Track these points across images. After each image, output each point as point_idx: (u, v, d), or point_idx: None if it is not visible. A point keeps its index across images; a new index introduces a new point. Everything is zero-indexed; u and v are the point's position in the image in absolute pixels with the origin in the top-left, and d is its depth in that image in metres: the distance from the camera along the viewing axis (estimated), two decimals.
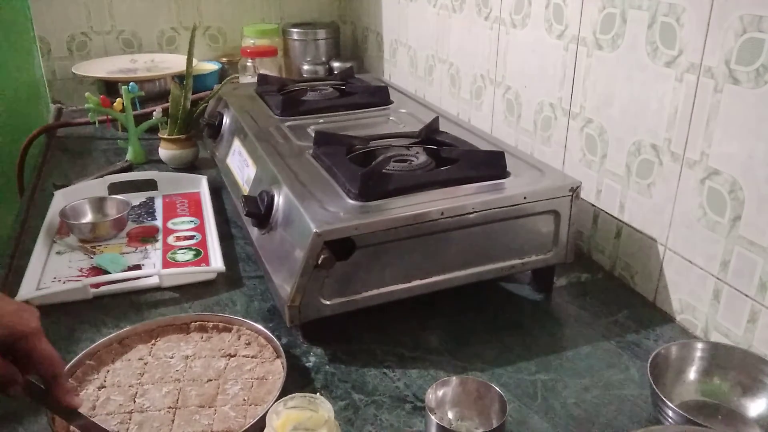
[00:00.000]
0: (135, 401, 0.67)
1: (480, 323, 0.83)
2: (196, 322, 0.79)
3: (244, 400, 0.68)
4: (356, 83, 1.29)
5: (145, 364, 0.73)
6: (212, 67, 1.72)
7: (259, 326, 0.77)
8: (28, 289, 0.86)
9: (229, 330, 0.78)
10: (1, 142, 1.48)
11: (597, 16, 0.90)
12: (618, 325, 0.83)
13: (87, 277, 0.91)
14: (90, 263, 0.95)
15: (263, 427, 0.56)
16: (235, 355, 0.74)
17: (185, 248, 0.99)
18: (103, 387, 0.70)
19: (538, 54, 1.05)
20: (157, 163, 1.33)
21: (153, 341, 0.77)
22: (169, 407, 0.67)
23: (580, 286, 0.92)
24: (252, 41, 1.71)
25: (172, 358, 0.74)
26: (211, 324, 0.79)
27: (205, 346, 0.76)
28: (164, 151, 1.29)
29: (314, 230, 0.71)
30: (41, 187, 1.23)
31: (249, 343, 0.76)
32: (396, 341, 0.80)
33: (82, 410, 0.65)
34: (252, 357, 0.74)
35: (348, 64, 1.65)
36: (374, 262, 0.76)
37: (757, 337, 0.73)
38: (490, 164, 0.86)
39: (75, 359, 0.71)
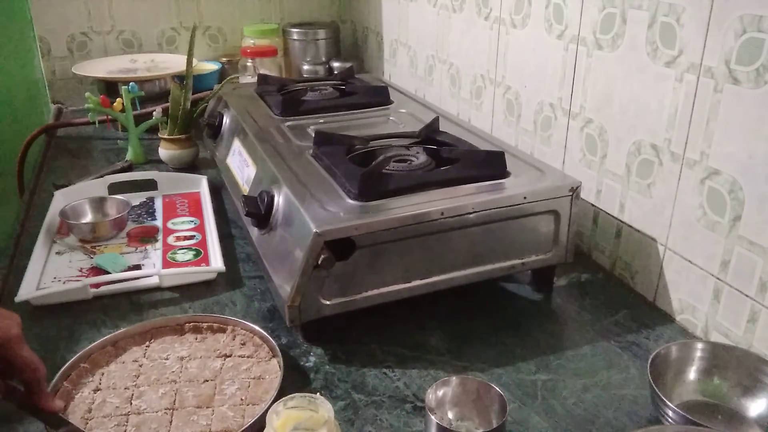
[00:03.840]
0: (131, 403, 0.67)
1: (480, 323, 0.83)
2: (190, 323, 0.79)
3: (242, 399, 0.68)
4: (356, 83, 1.29)
5: (140, 366, 0.73)
6: (212, 67, 1.72)
7: (254, 326, 0.77)
8: (28, 289, 0.86)
9: (224, 330, 0.78)
10: (1, 142, 1.48)
11: (597, 16, 0.90)
12: (618, 325, 0.83)
13: (87, 277, 0.91)
14: (90, 263, 0.95)
15: (262, 426, 0.56)
16: (230, 356, 0.74)
17: (185, 248, 0.99)
18: (99, 390, 0.69)
19: (538, 54, 1.05)
20: (157, 163, 1.33)
21: (147, 343, 0.77)
22: (167, 408, 0.67)
23: (580, 286, 0.92)
24: (252, 41, 1.71)
25: (167, 359, 0.74)
26: (205, 325, 0.79)
27: (200, 347, 0.76)
28: (164, 151, 1.29)
29: (314, 230, 0.71)
30: (41, 187, 1.23)
31: (244, 343, 0.76)
32: (396, 341, 0.80)
33: (78, 412, 0.66)
34: (248, 357, 0.74)
35: (348, 64, 1.65)
36: (374, 262, 0.76)
37: (757, 337, 0.73)
38: (490, 164, 0.86)
39: (68, 362, 0.71)
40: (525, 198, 0.80)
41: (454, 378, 0.66)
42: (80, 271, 0.93)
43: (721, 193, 0.75)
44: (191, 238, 1.02)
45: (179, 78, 1.38)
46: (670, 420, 0.63)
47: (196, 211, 1.12)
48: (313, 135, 0.96)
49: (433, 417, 0.61)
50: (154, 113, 1.31)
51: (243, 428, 0.62)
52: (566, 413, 0.68)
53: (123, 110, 1.33)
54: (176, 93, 1.27)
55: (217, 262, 0.94)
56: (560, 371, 0.75)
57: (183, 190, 1.19)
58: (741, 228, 0.73)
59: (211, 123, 1.20)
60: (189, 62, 1.27)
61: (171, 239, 1.02)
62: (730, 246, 0.75)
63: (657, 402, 0.65)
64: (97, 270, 0.93)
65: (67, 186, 1.16)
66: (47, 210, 1.07)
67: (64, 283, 0.89)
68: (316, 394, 0.58)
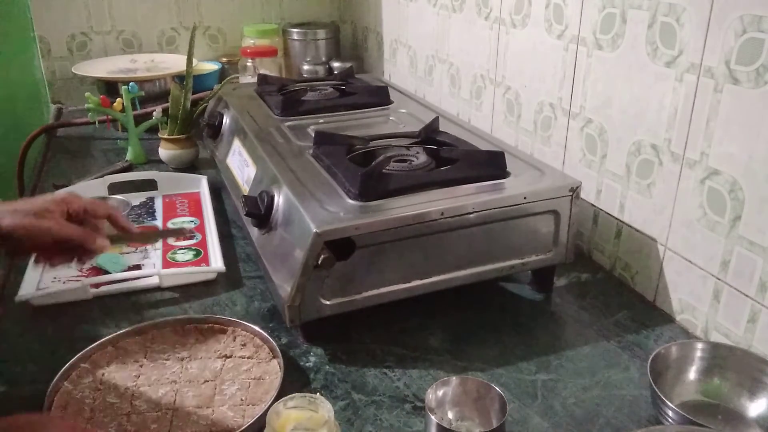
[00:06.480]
0: (132, 403, 0.67)
1: (480, 323, 0.83)
2: (190, 324, 0.79)
3: (242, 400, 0.68)
4: (356, 83, 1.29)
5: (140, 366, 0.73)
6: (212, 67, 1.72)
7: (255, 327, 0.77)
8: (28, 289, 0.86)
9: (224, 332, 0.78)
10: (1, 142, 1.48)
11: (597, 16, 0.90)
12: (618, 325, 0.83)
13: (87, 277, 0.91)
14: (90, 263, 0.95)
15: (262, 426, 0.56)
16: (231, 356, 0.74)
17: (185, 248, 0.99)
18: (99, 389, 0.69)
19: (538, 54, 1.05)
20: (157, 163, 1.33)
21: (147, 343, 0.77)
22: (167, 408, 0.67)
23: (580, 286, 0.92)
24: (252, 41, 1.71)
25: (167, 360, 0.74)
26: (206, 326, 0.79)
27: (200, 347, 0.76)
28: (164, 151, 1.29)
29: (314, 230, 0.71)
30: (41, 187, 1.23)
31: (245, 344, 0.76)
32: (396, 341, 0.80)
33: (78, 413, 0.65)
34: (248, 358, 0.74)
35: (348, 64, 1.65)
36: (374, 262, 0.76)
37: (757, 337, 0.73)
38: (490, 164, 0.86)
39: (69, 363, 0.71)
40: (525, 198, 0.80)
41: (454, 378, 0.66)
42: (80, 271, 0.93)
43: (721, 193, 0.75)
44: (191, 238, 1.02)
45: (179, 78, 1.38)
46: (670, 420, 0.63)
47: (196, 211, 1.12)
48: (313, 135, 0.96)
49: (433, 417, 0.61)
50: (154, 113, 1.31)
51: (243, 428, 0.62)
52: (566, 413, 0.68)
53: (123, 110, 1.33)
54: (176, 93, 1.27)
55: (217, 262, 0.94)
56: (560, 371, 0.75)
57: (183, 190, 1.19)
58: (741, 228, 0.73)
59: (211, 123, 1.20)
60: (189, 62, 1.27)
61: (171, 239, 1.02)
62: (730, 246, 0.75)
63: (657, 402, 0.65)
64: (97, 270, 0.93)
65: (67, 186, 1.16)
66: None
67: (64, 283, 0.89)
68: (316, 394, 0.58)
